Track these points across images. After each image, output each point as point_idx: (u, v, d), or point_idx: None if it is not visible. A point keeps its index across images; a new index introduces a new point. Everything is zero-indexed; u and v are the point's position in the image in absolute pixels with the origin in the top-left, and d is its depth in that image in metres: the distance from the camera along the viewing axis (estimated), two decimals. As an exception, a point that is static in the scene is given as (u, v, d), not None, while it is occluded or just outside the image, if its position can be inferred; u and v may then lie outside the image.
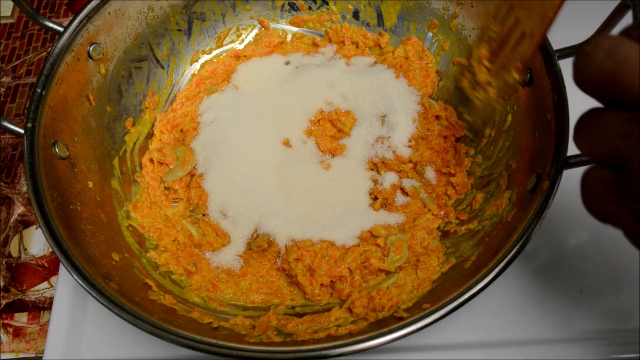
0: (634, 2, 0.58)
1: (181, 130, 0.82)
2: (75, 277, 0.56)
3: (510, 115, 0.71)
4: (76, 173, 0.69)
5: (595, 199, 0.42)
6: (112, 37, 0.75)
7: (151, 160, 0.80)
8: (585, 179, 0.42)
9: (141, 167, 0.80)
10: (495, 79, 0.65)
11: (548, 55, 0.63)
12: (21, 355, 0.75)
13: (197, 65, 0.88)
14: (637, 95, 0.37)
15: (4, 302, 0.79)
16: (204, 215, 0.76)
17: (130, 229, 0.74)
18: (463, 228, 0.71)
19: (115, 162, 0.77)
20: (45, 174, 0.63)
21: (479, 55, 0.65)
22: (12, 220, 0.85)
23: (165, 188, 0.79)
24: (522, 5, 0.57)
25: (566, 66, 0.62)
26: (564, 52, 0.65)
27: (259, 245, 0.71)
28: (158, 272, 0.71)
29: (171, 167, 0.79)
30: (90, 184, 0.71)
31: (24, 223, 0.85)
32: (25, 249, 0.83)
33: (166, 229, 0.75)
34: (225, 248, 0.73)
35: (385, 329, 0.54)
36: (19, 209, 0.86)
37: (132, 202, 0.76)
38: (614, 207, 0.40)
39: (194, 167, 0.78)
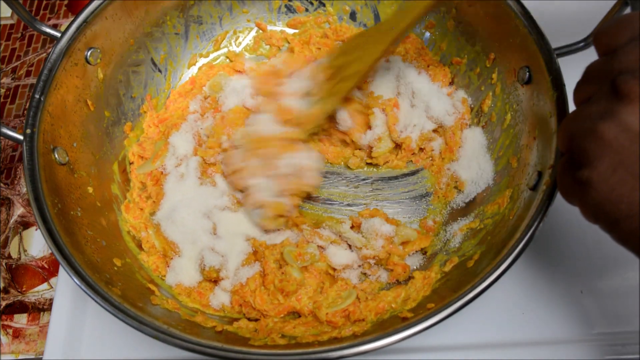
0: (633, 0, 0.58)
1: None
2: (79, 283, 0.56)
3: (509, 114, 0.72)
4: (76, 178, 0.69)
5: (558, 180, 0.49)
6: (109, 42, 0.75)
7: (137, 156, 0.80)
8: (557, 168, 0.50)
9: (130, 163, 0.80)
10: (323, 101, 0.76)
11: (547, 53, 0.64)
12: (21, 357, 0.75)
13: (194, 69, 0.88)
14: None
15: (3, 303, 0.79)
16: (151, 214, 0.75)
17: (131, 233, 0.73)
18: (465, 227, 0.71)
19: (115, 167, 0.77)
20: (45, 180, 0.62)
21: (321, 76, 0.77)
22: (12, 221, 0.84)
23: (143, 185, 0.78)
24: (358, 51, 0.73)
25: (565, 64, 0.63)
26: (563, 50, 0.65)
27: (209, 276, 0.70)
28: (159, 276, 0.71)
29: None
30: (90, 190, 0.70)
31: (24, 224, 0.85)
32: (25, 250, 0.83)
33: (145, 231, 0.74)
34: (178, 261, 0.71)
35: (390, 330, 0.54)
36: (18, 210, 0.85)
37: (124, 203, 0.76)
38: (568, 181, 0.46)
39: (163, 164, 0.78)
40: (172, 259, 0.71)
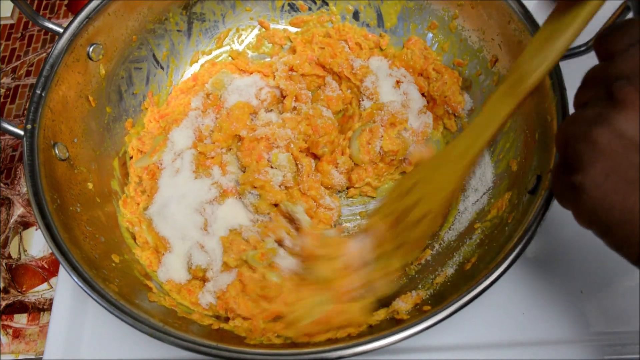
0: (635, 5, 0.58)
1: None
2: (76, 280, 0.56)
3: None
4: (76, 174, 0.69)
5: (552, 183, 0.49)
6: (111, 38, 0.75)
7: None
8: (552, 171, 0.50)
9: (130, 157, 0.80)
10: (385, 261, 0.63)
11: (549, 57, 0.63)
12: (21, 357, 0.75)
13: (196, 66, 0.88)
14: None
15: (3, 303, 0.79)
16: (144, 209, 0.74)
17: (130, 229, 0.73)
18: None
19: (115, 163, 0.77)
20: (45, 175, 0.63)
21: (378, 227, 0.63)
22: (12, 221, 0.85)
23: (140, 179, 0.78)
24: (424, 187, 0.60)
25: (567, 67, 0.62)
26: (565, 54, 0.64)
27: (195, 275, 0.70)
28: (154, 272, 0.71)
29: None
30: (90, 186, 0.70)
31: (24, 224, 0.85)
32: (25, 250, 0.83)
33: (139, 226, 0.74)
34: (169, 256, 0.71)
35: (385, 332, 0.54)
36: (18, 210, 0.86)
37: (122, 197, 0.76)
38: (562, 185, 0.46)
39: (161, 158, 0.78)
40: (163, 254, 0.71)
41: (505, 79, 0.53)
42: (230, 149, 0.79)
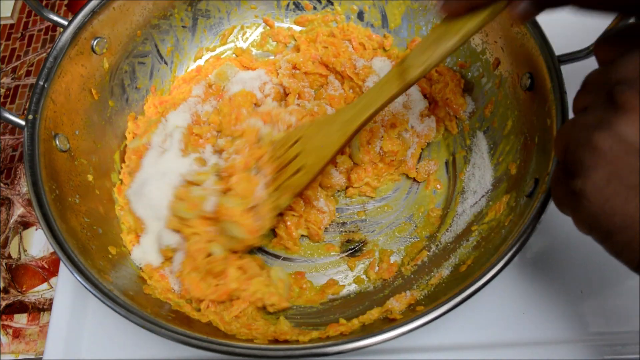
0: (636, 9, 0.57)
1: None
2: (70, 269, 0.57)
3: (510, 120, 0.71)
4: (76, 166, 0.69)
5: (552, 189, 0.49)
6: (116, 32, 0.76)
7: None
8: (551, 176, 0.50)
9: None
10: (270, 198, 0.68)
11: (550, 60, 0.63)
12: (21, 357, 0.75)
13: (200, 62, 0.89)
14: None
15: (3, 303, 0.79)
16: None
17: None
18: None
19: (116, 156, 0.77)
20: (44, 166, 0.63)
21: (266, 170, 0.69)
22: (12, 221, 0.85)
23: (130, 160, 0.77)
24: (306, 143, 0.67)
25: (568, 71, 0.62)
26: (566, 58, 0.64)
27: (166, 255, 0.68)
28: None
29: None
30: (90, 178, 0.71)
31: (24, 224, 0.85)
32: (25, 250, 0.83)
33: (124, 209, 0.73)
34: (145, 238, 0.70)
35: (376, 331, 0.54)
36: (18, 210, 0.86)
37: (117, 185, 0.75)
38: (562, 190, 0.46)
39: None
40: (139, 237, 0.70)
41: (398, 64, 0.60)
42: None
